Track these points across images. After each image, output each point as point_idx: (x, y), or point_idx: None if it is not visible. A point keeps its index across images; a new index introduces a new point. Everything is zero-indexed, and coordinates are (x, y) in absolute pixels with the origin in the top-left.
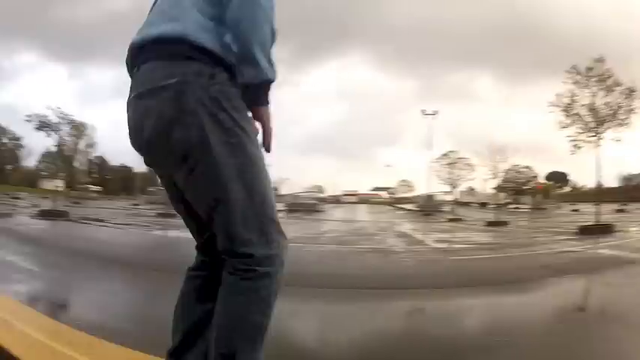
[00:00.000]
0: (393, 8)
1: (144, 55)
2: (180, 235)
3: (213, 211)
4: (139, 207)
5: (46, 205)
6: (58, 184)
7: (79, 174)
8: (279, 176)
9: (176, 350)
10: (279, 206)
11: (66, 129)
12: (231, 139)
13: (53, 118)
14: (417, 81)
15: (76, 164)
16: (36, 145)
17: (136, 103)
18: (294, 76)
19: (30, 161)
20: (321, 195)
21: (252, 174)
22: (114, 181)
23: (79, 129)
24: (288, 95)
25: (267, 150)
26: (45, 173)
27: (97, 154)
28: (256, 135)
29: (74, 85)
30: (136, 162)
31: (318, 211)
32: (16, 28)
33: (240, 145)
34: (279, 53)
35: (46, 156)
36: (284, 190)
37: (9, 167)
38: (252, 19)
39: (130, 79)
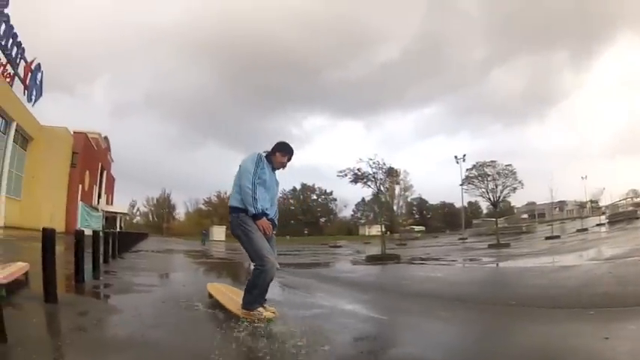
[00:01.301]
0: None
1: None
2: (514, 265)
3: (246, 252)
4: (467, 241)
5: (372, 250)
6: (379, 229)
7: (399, 217)
8: (595, 187)
9: None
10: (603, 218)
11: (381, 177)
12: (244, 233)
13: (367, 169)
14: None
15: (395, 208)
16: (351, 196)
17: None
18: (579, 76)
19: (345, 211)
20: (638, 199)
21: (252, 242)
22: (436, 219)
23: (393, 175)
24: (578, 99)
25: (267, 233)
26: (363, 220)
27: (415, 195)
28: (257, 228)
29: (374, 136)
30: (457, 197)
31: (638, 218)
32: (297, 96)
33: (247, 234)
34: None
35: (362, 205)
36: (603, 202)
37: (323, 220)
38: (245, 198)
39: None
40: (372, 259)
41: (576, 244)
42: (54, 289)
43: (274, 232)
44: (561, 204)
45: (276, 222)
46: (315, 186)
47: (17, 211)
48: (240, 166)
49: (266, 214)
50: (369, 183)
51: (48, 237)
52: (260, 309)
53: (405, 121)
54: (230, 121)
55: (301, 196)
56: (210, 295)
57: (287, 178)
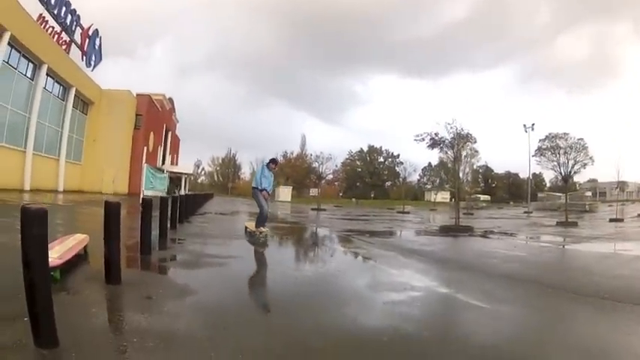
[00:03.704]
0: None
1: None
2: (590, 249)
3: (257, 204)
4: (532, 215)
5: (439, 218)
6: (445, 195)
7: (465, 184)
8: None
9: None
10: None
11: (458, 143)
12: (257, 197)
13: (444, 134)
14: None
15: (461, 175)
16: (416, 160)
17: None
18: None
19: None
20: None
21: (259, 201)
22: (501, 189)
23: (470, 141)
24: None
25: (265, 198)
26: (429, 186)
27: (481, 162)
28: (263, 194)
29: (439, 98)
30: (521, 167)
31: None
32: (363, 56)
33: (258, 197)
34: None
35: (429, 170)
36: None
37: (388, 183)
38: (257, 183)
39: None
40: (446, 230)
41: None
42: (117, 270)
43: (269, 196)
44: (622, 184)
45: (269, 192)
46: (382, 148)
47: (78, 175)
48: (256, 169)
49: (266, 189)
50: (447, 149)
51: (111, 213)
52: (261, 228)
53: (469, 84)
54: (296, 80)
55: (368, 158)
56: (246, 227)
57: (353, 140)
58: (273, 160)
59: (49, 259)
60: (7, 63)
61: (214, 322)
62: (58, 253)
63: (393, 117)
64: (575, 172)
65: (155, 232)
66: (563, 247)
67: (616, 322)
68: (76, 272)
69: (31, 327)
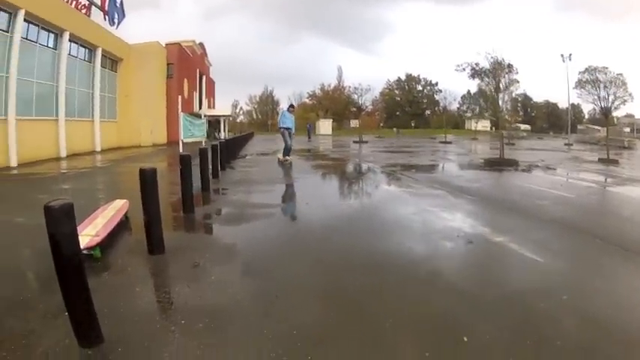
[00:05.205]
0: None
1: None
2: (636, 194)
3: (283, 139)
4: (573, 148)
5: (481, 148)
6: (485, 124)
7: (504, 113)
8: None
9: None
10: None
11: (495, 71)
12: (282, 134)
13: (485, 64)
14: None
15: (500, 103)
16: (455, 88)
17: None
18: None
19: (453, 105)
20: None
21: (285, 137)
22: (539, 118)
23: (511, 71)
24: None
25: (290, 135)
26: (469, 114)
27: (519, 91)
28: (288, 132)
29: (476, 24)
30: (559, 97)
31: None
32: None
33: (283, 134)
34: None
35: (468, 97)
36: None
37: (428, 112)
38: (280, 123)
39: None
40: (491, 164)
41: None
42: (159, 240)
43: (293, 134)
44: None
45: (293, 130)
46: (420, 77)
47: (114, 132)
48: (280, 113)
49: (289, 128)
50: (487, 79)
51: (147, 181)
52: (287, 157)
53: (507, 10)
54: (329, 11)
55: (406, 87)
56: (278, 159)
57: (390, 69)
58: (291, 105)
59: (88, 238)
60: (27, 39)
61: (265, 289)
62: (95, 228)
63: (429, 45)
64: (615, 108)
65: (197, 185)
66: (608, 188)
67: None
68: (117, 245)
69: (72, 328)
